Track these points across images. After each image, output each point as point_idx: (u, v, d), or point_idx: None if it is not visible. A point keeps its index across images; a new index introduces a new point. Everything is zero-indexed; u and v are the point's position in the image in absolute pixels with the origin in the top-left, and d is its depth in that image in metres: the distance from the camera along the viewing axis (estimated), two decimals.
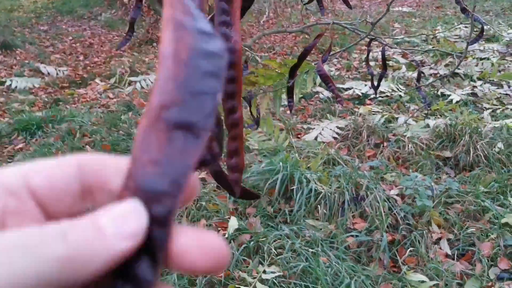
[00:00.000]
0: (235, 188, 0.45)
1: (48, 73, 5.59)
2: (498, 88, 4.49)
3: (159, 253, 0.21)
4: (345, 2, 2.29)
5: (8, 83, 5.21)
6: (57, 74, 5.61)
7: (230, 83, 0.39)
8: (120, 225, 0.22)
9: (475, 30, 2.39)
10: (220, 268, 0.23)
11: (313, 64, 2.12)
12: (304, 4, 2.28)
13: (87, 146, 3.48)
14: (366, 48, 2.50)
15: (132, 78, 5.23)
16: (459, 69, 5.02)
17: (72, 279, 0.20)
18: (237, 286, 2.17)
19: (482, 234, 2.44)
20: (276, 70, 2.07)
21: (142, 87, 5.03)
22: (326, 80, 1.84)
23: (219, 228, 2.55)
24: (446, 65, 5.15)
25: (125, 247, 0.21)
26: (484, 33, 2.49)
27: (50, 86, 5.23)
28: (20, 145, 3.68)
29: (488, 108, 4.07)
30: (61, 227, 0.20)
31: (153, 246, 0.21)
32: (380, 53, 4.88)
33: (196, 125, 0.21)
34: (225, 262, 0.23)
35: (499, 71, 4.89)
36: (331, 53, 2.04)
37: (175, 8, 0.22)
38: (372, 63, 5.20)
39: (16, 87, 5.13)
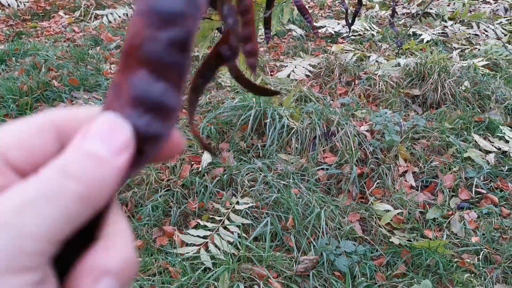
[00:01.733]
0: (253, 71, 0.45)
1: (9, 5, 5.28)
2: (468, 29, 4.55)
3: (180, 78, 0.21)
4: None
5: None
6: (18, 5, 5.30)
7: None
8: (108, 143, 0.22)
9: None
10: (178, 154, 0.25)
11: None
12: None
13: (54, 81, 3.38)
14: None
15: (99, 12, 5.01)
16: (431, 8, 5.03)
17: (92, 208, 0.21)
18: (211, 216, 2.23)
19: (445, 167, 2.56)
20: (253, 1, 2.03)
21: (109, 21, 4.84)
22: (303, 11, 1.82)
23: (192, 162, 2.58)
24: (419, 5, 5.14)
25: (124, 160, 0.22)
26: None
27: (11, 18, 4.96)
28: None
29: (457, 48, 4.13)
30: (63, 168, 0.21)
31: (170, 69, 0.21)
32: None
33: None
34: (181, 149, 0.25)
35: (470, 12, 4.92)
36: None
37: None
38: (347, 1, 5.14)
39: None
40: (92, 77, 3.52)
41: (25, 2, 5.43)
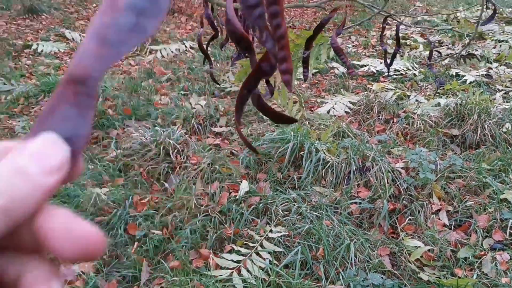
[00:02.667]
0: (287, 88, 0.54)
1: (73, 39, 5.76)
2: None
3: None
4: None
5: (34, 46, 5.40)
6: (81, 40, 5.77)
7: (273, 4, 0.49)
8: (41, 162, 0.22)
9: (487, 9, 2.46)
10: (91, 257, 0.22)
11: (329, 37, 2.23)
12: None
13: (109, 110, 3.65)
14: (382, 24, 2.59)
15: (153, 47, 5.37)
16: (476, 50, 5.04)
17: (12, 224, 0.21)
18: (245, 242, 2.34)
19: (480, 208, 2.56)
20: (293, 41, 2.19)
21: (162, 56, 5.17)
22: (339, 52, 1.96)
23: (231, 190, 2.72)
24: (464, 46, 5.16)
25: (54, 180, 0.22)
26: (496, 14, 2.56)
27: (75, 51, 5.39)
28: None
29: (501, 90, 4.12)
30: None
31: None
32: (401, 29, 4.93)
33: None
34: (97, 252, 0.22)
35: None
36: (345, 27, 2.15)
37: None
38: (390, 42, 5.25)
39: (42, 51, 5.32)
40: (143, 107, 3.78)
41: None
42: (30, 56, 5.21)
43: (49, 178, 0.22)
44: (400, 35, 5.26)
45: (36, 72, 4.66)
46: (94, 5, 7.70)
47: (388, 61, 2.73)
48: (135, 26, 0.20)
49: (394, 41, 5.19)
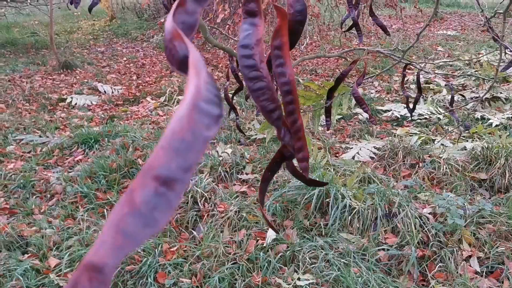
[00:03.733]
0: (304, 173, 0.60)
1: (105, 92, 6.03)
2: None
3: None
4: (383, 29, 2.49)
5: (69, 100, 5.67)
6: (112, 92, 6.03)
7: (289, 104, 0.56)
8: None
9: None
10: None
11: (350, 87, 2.32)
12: (344, 32, 2.48)
13: (139, 159, 3.78)
14: (402, 72, 2.67)
15: (181, 97, 5.57)
16: (500, 93, 5.04)
17: None
18: None
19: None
20: (316, 92, 2.28)
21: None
22: (360, 102, 2.04)
23: (258, 238, 2.74)
24: (487, 90, 5.17)
25: None
26: None
27: (106, 103, 5.64)
28: (80, 157, 4.03)
29: None
30: None
31: None
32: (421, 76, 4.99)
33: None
34: None
35: None
36: (367, 77, 2.23)
37: (196, 81, 0.26)
38: (413, 86, 5.31)
39: (76, 104, 5.58)
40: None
41: (119, 89, 6.16)
42: (65, 109, 5.47)
43: None
44: (423, 79, 5.32)
45: (70, 124, 4.88)
46: (125, 58, 8.07)
47: (411, 106, 2.79)
48: (149, 220, 0.23)
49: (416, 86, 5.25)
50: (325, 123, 2.06)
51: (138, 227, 0.23)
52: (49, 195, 3.40)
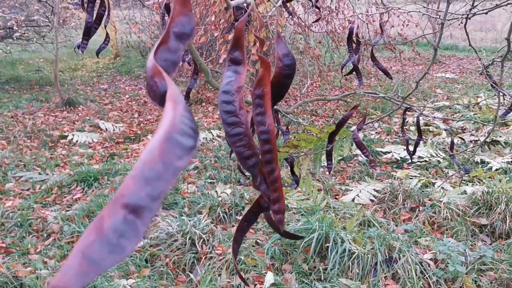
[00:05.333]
0: (279, 227, 0.58)
1: (106, 129, 6.06)
2: None
3: None
4: (385, 73, 2.53)
5: (70, 137, 5.70)
6: (114, 130, 6.07)
7: (267, 153, 0.56)
8: None
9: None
10: None
11: (350, 130, 2.33)
12: (344, 76, 2.52)
13: None
14: (402, 115, 2.69)
15: None
16: (500, 136, 5.07)
17: None
18: None
19: None
20: (317, 135, 2.30)
21: None
22: (361, 147, 2.05)
23: (256, 282, 2.70)
24: (487, 134, 5.20)
25: None
26: None
27: (107, 141, 5.66)
28: (78, 195, 4.01)
29: None
30: None
31: None
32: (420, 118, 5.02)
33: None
34: None
35: None
36: (367, 121, 2.25)
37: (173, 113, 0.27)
38: (413, 128, 5.34)
39: (77, 141, 5.60)
40: (170, 195, 3.88)
41: (120, 126, 6.20)
42: (66, 146, 5.49)
43: None
44: (423, 121, 5.35)
45: (70, 161, 4.88)
46: (127, 96, 8.16)
47: (411, 148, 2.80)
48: (115, 247, 0.23)
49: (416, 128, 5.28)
50: (326, 166, 2.07)
51: (104, 253, 0.23)
52: (45, 234, 3.37)
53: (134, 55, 12.14)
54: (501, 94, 2.47)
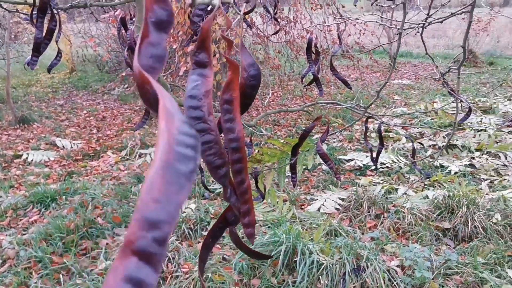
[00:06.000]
0: (249, 239, 0.55)
1: (63, 147, 5.85)
2: (495, 159, 4.65)
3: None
4: (344, 83, 2.53)
5: (24, 156, 5.46)
6: (71, 147, 5.87)
7: (237, 162, 0.52)
8: None
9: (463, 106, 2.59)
10: None
11: (313, 142, 2.31)
12: (304, 86, 2.51)
13: (99, 218, 3.62)
14: (364, 124, 2.70)
15: (143, 151, 5.47)
16: (457, 140, 5.21)
17: None
18: None
19: None
20: (280, 149, 2.27)
21: (152, 159, 5.23)
22: (325, 159, 2.03)
23: None
24: (444, 137, 5.34)
25: None
26: (471, 112, 2.70)
27: (65, 159, 5.46)
28: (35, 217, 3.83)
29: (486, 179, 4.20)
30: None
31: None
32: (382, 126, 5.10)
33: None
34: None
35: (496, 142, 5.07)
36: (330, 132, 2.23)
37: (167, 125, 0.27)
38: (374, 135, 5.42)
39: (32, 160, 5.37)
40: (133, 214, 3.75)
41: (78, 143, 6.00)
42: (20, 166, 5.26)
43: None
44: (383, 128, 5.44)
45: (25, 182, 4.67)
46: (85, 111, 7.94)
47: (374, 155, 2.81)
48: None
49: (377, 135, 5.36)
50: (290, 178, 2.04)
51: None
52: (0, 261, 3.18)
53: (91, 69, 11.85)
54: (458, 100, 2.52)
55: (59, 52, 2.06)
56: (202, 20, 1.57)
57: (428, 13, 2.18)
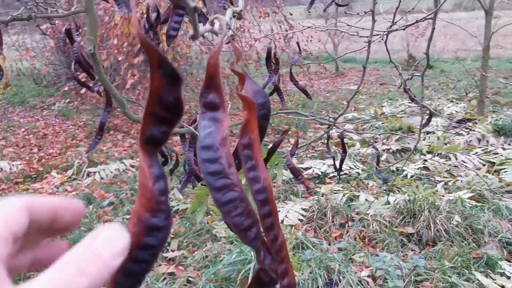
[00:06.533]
0: None
1: (1, 169, 5.42)
2: (447, 161, 4.77)
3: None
4: (304, 93, 2.45)
5: None
6: (10, 169, 5.44)
7: (267, 217, 0.44)
8: (111, 247, 0.28)
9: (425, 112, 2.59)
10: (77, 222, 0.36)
11: (282, 157, 2.21)
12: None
13: None
14: (326, 134, 2.64)
15: (91, 169, 5.16)
16: (408, 143, 5.31)
17: None
18: None
19: None
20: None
21: (101, 178, 4.95)
22: (296, 173, 1.92)
23: None
24: (397, 140, 5.44)
25: (118, 263, 0.29)
26: (432, 118, 2.70)
27: (4, 182, 5.05)
28: None
29: (441, 181, 4.28)
30: (77, 264, 0.27)
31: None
32: (335, 132, 5.10)
33: None
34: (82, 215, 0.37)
35: (445, 144, 5.21)
36: (299, 146, 2.14)
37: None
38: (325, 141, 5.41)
39: None
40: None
41: (18, 164, 5.59)
42: None
43: (116, 260, 0.28)
44: (336, 134, 5.45)
45: None
46: (23, 129, 7.46)
47: (337, 166, 2.76)
48: None
49: (332, 141, 5.36)
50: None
51: None
52: None
53: (27, 84, 11.22)
54: (421, 107, 2.52)
55: (0, 69, 1.84)
56: (177, 34, 1.43)
57: (393, 21, 2.15)
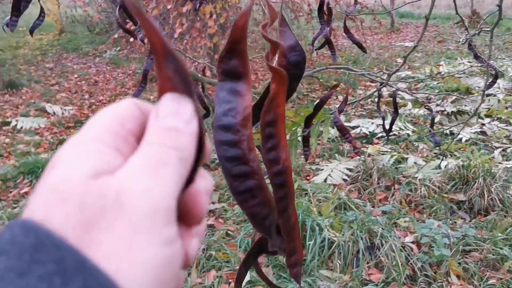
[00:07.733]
0: (296, 280, 0.47)
1: (54, 113, 5.59)
2: (507, 126, 4.46)
3: None
4: (359, 47, 2.29)
5: (13, 123, 5.20)
6: (62, 113, 5.60)
7: (282, 200, 0.39)
8: (179, 117, 0.27)
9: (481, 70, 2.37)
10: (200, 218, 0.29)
11: (329, 113, 2.09)
12: (316, 50, 2.26)
13: None
14: (377, 92, 2.49)
15: None
16: (465, 105, 5.00)
17: (187, 167, 0.27)
18: None
19: (502, 285, 2.35)
20: (291, 119, 2.04)
21: None
22: (344, 131, 1.81)
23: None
24: (453, 102, 5.13)
25: (195, 126, 0.28)
26: (497, 78, 2.47)
27: (56, 126, 5.21)
28: (26, 189, 3.62)
29: (499, 147, 4.02)
30: (158, 142, 0.26)
31: None
32: (386, 90, 4.87)
33: None
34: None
35: (506, 108, 4.87)
36: (348, 103, 2.01)
37: None
38: (375, 99, 5.19)
39: (21, 127, 5.12)
40: None
41: (70, 109, 5.73)
42: (9, 133, 5.01)
43: (191, 125, 0.27)
44: (387, 93, 5.21)
45: (15, 151, 4.44)
46: (76, 75, 7.62)
47: (387, 127, 2.61)
48: None
49: (382, 100, 5.13)
50: (303, 152, 1.84)
51: None
52: None
53: (81, 31, 11.40)
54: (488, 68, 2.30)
55: (42, 11, 1.79)
56: None
57: None
